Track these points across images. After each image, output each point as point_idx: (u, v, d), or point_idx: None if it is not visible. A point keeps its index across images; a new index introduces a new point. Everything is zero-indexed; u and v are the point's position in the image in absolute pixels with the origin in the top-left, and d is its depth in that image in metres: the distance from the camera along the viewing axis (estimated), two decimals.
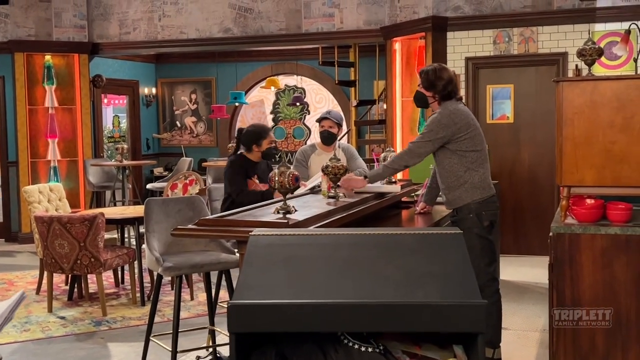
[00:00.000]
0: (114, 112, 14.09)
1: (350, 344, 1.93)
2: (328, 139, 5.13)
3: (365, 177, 4.06)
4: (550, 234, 3.59)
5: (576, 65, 6.91)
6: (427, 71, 4.03)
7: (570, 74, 6.86)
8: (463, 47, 7.38)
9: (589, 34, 6.79)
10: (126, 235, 7.16)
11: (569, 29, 7.03)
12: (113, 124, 12.45)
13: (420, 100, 4.12)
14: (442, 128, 3.88)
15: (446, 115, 3.90)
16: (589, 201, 3.72)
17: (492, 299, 3.98)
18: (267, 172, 5.02)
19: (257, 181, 4.91)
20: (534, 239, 7.29)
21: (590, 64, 3.70)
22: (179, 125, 12.19)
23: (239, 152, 5.11)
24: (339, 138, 5.34)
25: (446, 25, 7.37)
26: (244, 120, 12.51)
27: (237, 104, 10.83)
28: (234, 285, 4.66)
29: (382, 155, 4.65)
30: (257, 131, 5.00)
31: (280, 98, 12.88)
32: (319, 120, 5.15)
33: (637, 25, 4.33)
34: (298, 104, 11.45)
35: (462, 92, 4.08)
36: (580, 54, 3.70)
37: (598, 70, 6.52)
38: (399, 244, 2.15)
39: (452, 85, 3.98)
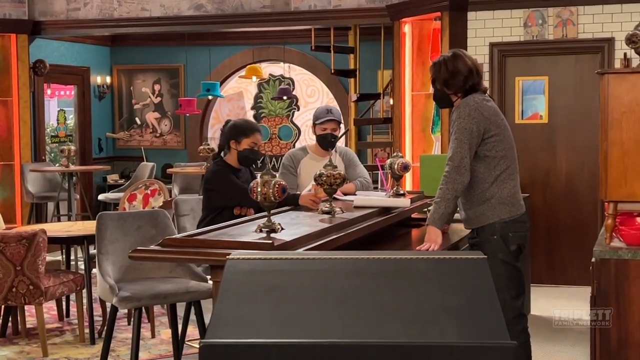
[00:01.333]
0: (59, 105, 14.07)
1: None
2: (332, 143, 5.14)
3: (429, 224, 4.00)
4: (593, 259, 3.60)
5: (625, 54, 6.93)
6: (438, 65, 4.04)
7: (617, 64, 6.90)
8: (487, 31, 7.42)
9: None
10: (72, 258, 7.13)
11: (617, 10, 7.08)
12: (58, 120, 12.43)
13: (443, 100, 4.13)
14: (473, 122, 3.87)
15: (473, 107, 3.90)
16: (639, 220, 3.75)
17: (520, 340, 3.99)
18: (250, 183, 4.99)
19: None
20: (572, 266, 7.31)
21: None
22: (138, 122, 12.19)
23: (220, 156, 5.06)
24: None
25: (467, 3, 7.41)
26: (219, 116, 12.53)
27: (210, 97, 10.84)
28: (206, 320, 4.66)
29: (388, 162, 4.67)
30: (242, 126, 4.92)
31: (263, 90, 12.90)
32: (321, 122, 5.10)
33: None
34: (285, 97, 11.46)
35: (486, 86, 4.11)
36: (630, 40, 3.73)
37: None
38: (409, 271, 2.16)
39: (473, 77, 3.99)
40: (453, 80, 3.98)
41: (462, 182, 3.87)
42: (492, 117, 3.94)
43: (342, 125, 5.59)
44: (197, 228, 4.87)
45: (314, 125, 5.17)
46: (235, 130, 4.89)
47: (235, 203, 4.73)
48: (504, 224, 3.93)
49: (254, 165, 5.16)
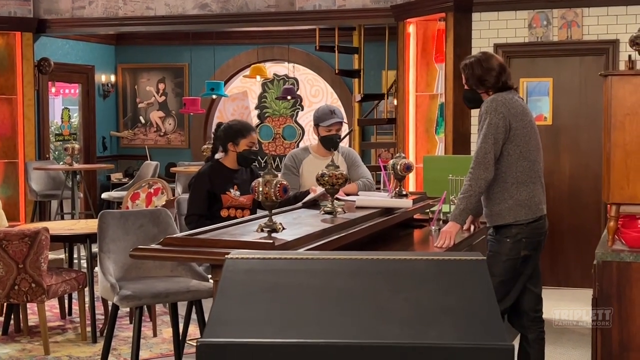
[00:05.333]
0: (63, 104, 14.09)
1: None
2: (337, 144, 5.16)
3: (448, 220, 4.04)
4: (595, 261, 3.60)
5: (629, 56, 6.90)
6: (470, 64, 4.04)
7: (621, 66, 6.89)
8: (491, 32, 7.41)
9: None
10: (75, 256, 7.14)
11: (621, 12, 7.06)
12: (62, 118, 12.46)
13: (473, 100, 4.12)
14: (499, 117, 3.87)
15: (500, 102, 3.90)
16: None
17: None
18: (250, 183, 5.00)
19: (235, 194, 4.89)
20: (575, 268, 7.30)
21: None
22: (142, 121, 12.19)
23: (215, 157, 5.09)
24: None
25: (471, 4, 7.40)
26: (223, 116, 12.53)
27: (214, 96, 10.83)
28: (207, 319, 4.66)
29: (391, 162, 4.67)
30: (237, 127, 4.97)
31: (267, 90, 12.90)
32: (327, 125, 5.09)
33: None
34: (289, 97, 11.46)
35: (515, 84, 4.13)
36: (634, 42, 3.72)
37: None
38: (409, 271, 2.15)
39: (505, 74, 4.00)
40: (487, 77, 3.98)
41: (486, 178, 3.87)
42: (520, 115, 3.93)
43: (345, 126, 5.59)
44: (186, 223, 4.91)
45: (317, 126, 5.17)
46: (231, 132, 4.92)
47: (189, 213, 4.86)
48: (520, 228, 3.92)
49: (256, 164, 5.18)
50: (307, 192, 4.66)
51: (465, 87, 4.10)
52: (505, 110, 3.88)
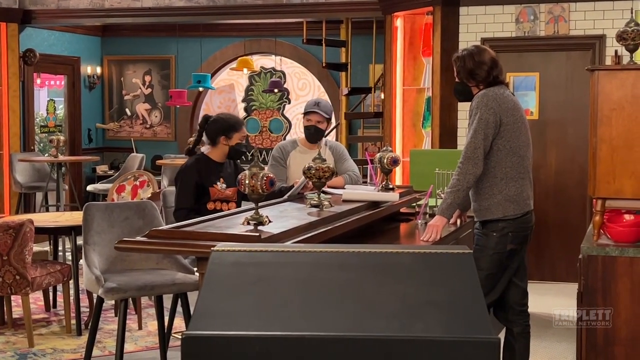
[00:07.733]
0: (48, 95, 14.02)
1: None
2: (315, 136, 5.14)
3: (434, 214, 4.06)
4: (580, 256, 3.61)
5: (615, 51, 6.97)
6: (462, 57, 4.03)
7: (608, 61, 6.92)
8: (479, 26, 7.42)
9: (632, 13, 6.83)
10: (60, 248, 7.11)
11: (608, 7, 7.08)
12: (47, 110, 12.38)
13: (463, 93, 4.12)
14: (490, 112, 3.87)
15: (491, 97, 3.90)
16: (627, 217, 3.75)
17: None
18: (235, 176, 5.01)
19: (221, 187, 4.89)
20: (561, 262, 7.32)
21: (632, 50, 3.73)
22: (128, 113, 12.14)
23: (202, 150, 5.09)
24: (326, 134, 5.35)
25: None
26: (210, 108, 12.51)
27: (201, 89, 10.81)
28: (192, 311, 4.65)
29: (378, 155, 4.67)
30: (232, 121, 5.00)
31: (254, 83, 12.88)
32: (305, 114, 5.14)
33: None
34: (276, 90, 11.43)
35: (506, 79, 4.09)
36: (621, 37, 3.73)
37: None
38: (395, 265, 2.15)
39: (497, 69, 3.99)
40: (478, 71, 3.98)
41: (474, 173, 3.87)
42: (510, 110, 3.94)
43: (332, 120, 5.58)
44: (175, 217, 4.88)
45: (303, 117, 5.21)
46: (224, 126, 4.93)
47: (178, 207, 4.82)
48: (507, 222, 3.94)
49: (243, 158, 5.19)
50: (293, 187, 4.66)
51: (456, 79, 4.10)
52: (496, 105, 3.89)
